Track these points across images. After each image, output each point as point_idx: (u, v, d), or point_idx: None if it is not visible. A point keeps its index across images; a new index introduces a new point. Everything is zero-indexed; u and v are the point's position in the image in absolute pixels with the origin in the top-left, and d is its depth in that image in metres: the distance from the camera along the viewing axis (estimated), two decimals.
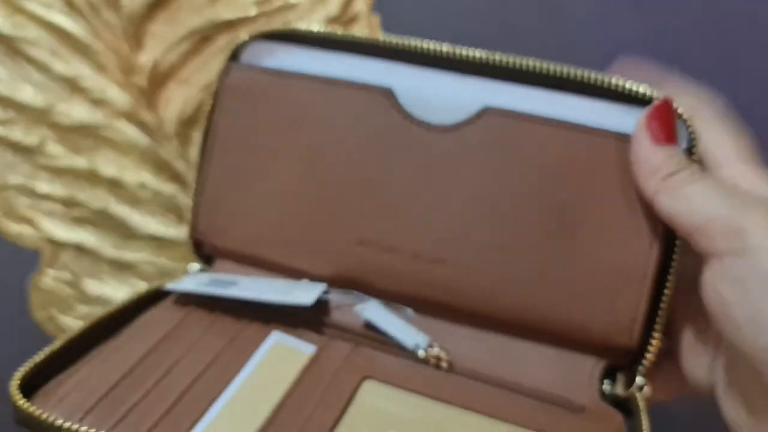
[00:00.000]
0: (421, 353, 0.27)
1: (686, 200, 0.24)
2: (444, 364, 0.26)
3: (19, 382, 0.24)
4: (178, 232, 0.46)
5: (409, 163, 0.27)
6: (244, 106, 0.30)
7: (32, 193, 0.49)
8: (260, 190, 0.30)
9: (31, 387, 0.25)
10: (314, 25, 0.32)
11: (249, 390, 0.25)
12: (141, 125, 0.43)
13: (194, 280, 0.30)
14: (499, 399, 0.25)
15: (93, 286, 0.55)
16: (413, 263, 0.27)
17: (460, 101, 0.27)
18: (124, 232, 0.51)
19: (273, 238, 0.30)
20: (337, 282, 0.29)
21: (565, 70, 0.26)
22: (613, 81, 0.26)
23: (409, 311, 0.28)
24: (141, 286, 0.55)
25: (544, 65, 0.26)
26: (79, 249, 0.52)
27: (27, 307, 0.54)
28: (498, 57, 0.27)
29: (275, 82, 0.29)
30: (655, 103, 0.25)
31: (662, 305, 0.25)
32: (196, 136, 0.43)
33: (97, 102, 0.42)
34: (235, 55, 0.31)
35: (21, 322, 0.54)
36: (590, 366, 0.26)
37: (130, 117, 0.43)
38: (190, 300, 0.29)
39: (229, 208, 0.30)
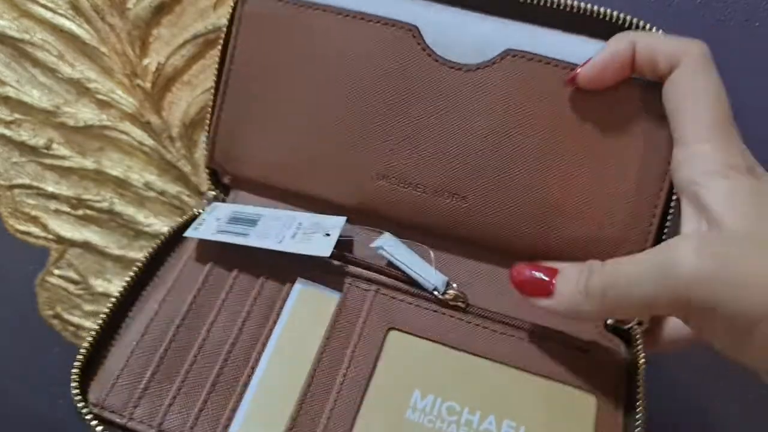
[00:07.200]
0: (439, 295, 0.28)
1: (605, 303, 0.24)
2: (461, 304, 0.27)
3: (77, 381, 0.26)
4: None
5: (431, 100, 0.28)
6: (263, 35, 0.30)
7: (39, 193, 0.49)
8: (278, 120, 0.30)
9: (86, 376, 0.26)
10: None
11: (285, 348, 0.26)
12: (146, 127, 0.43)
13: (213, 220, 0.29)
14: (511, 344, 0.27)
15: (99, 284, 0.55)
16: (435, 197, 0.28)
17: (483, 42, 0.27)
18: (130, 231, 0.51)
19: (292, 168, 0.30)
20: (359, 214, 0.30)
21: (588, 7, 0.27)
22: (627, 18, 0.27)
23: (430, 252, 0.29)
24: None
25: (564, 2, 0.27)
26: (86, 248, 0.53)
27: (34, 305, 0.55)
28: None
29: (296, 11, 0.29)
30: (511, 277, 0.26)
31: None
32: (201, 138, 0.44)
33: (103, 104, 0.43)
34: None
35: (28, 320, 0.55)
36: None
37: (136, 119, 0.43)
38: (212, 247, 0.29)
39: (246, 137, 0.30)
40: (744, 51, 0.35)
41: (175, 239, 0.30)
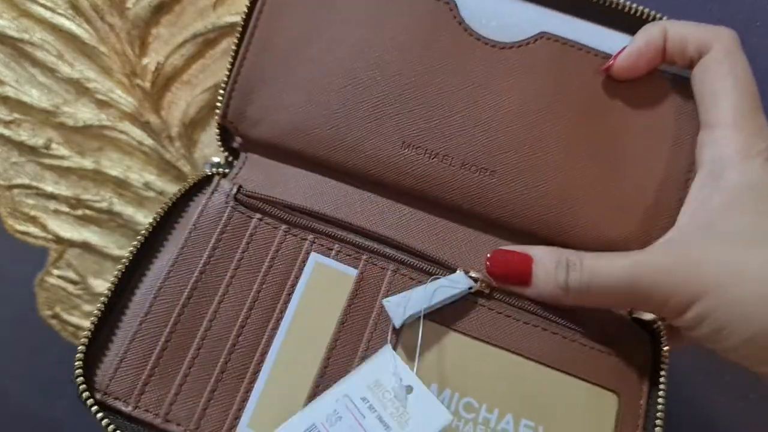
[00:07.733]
0: (473, 291, 0.26)
1: (595, 288, 0.24)
2: (485, 289, 0.26)
3: (80, 366, 0.24)
4: None
5: (463, 73, 0.28)
6: None
7: (38, 193, 0.49)
8: (301, 81, 0.29)
9: (90, 361, 0.25)
10: None
11: (298, 330, 0.24)
12: (145, 127, 0.43)
13: None
14: (533, 335, 0.25)
15: (98, 285, 0.55)
16: (462, 171, 0.27)
17: (519, 23, 0.28)
18: (129, 231, 0.51)
19: (311, 131, 0.28)
20: (382, 185, 0.28)
21: (626, 4, 0.28)
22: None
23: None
24: None
25: None
26: (85, 248, 0.53)
27: (33, 305, 0.54)
28: None
29: None
30: (487, 267, 0.26)
31: None
32: (200, 137, 0.44)
33: (103, 104, 0.43)
34: None
35: (27, 320, 0.54)
36: None
37: (135, 119, 0.43)
38: (215, 221, 0.27)
39: (264, 95, 0.29)
40: (744, 51, 0.35)
41: (173, 213, 0.28)
